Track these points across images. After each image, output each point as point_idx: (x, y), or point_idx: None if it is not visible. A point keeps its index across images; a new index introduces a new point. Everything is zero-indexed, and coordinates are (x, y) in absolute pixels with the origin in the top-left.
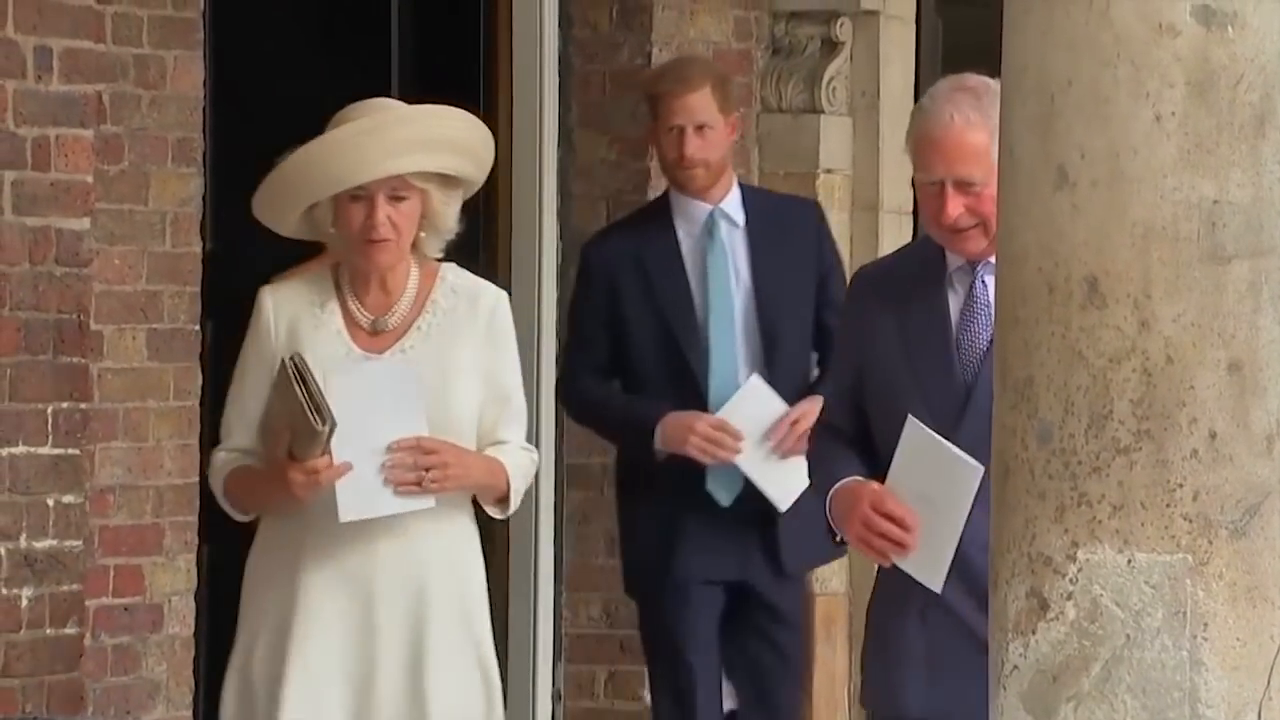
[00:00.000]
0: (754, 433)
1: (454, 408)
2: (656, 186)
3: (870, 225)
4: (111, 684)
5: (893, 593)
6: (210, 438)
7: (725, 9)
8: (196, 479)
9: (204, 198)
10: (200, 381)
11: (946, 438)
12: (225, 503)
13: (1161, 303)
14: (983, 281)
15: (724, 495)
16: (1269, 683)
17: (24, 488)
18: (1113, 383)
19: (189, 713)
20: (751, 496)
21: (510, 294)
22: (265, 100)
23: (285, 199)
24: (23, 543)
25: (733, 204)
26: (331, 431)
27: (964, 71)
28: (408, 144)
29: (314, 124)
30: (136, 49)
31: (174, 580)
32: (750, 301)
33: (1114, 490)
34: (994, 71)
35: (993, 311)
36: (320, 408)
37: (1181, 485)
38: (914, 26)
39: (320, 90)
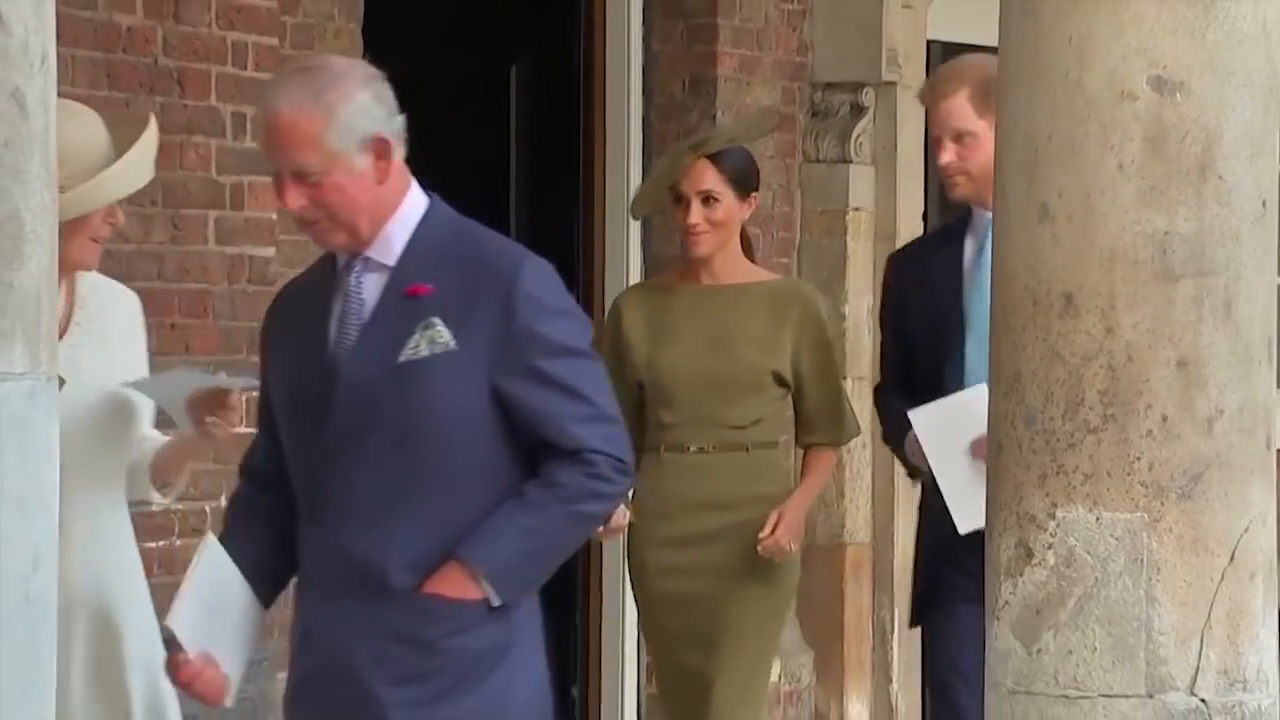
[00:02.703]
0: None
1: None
2: None
3: (888, 251)
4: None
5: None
6: None
7: (774, 80)
8: None
9: None
10: None
11: None
12: None
13: (1123, 313)
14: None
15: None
16: (1209, 615)
17: (223, 459)
18: (1084, 377)
19: None
20: None
21: (604, 312)
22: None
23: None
24: (221, 502)
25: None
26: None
27: None
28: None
29: (447, 171)
30: None
31: None
32: None
33: (1085, 462)
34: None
35: None
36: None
37: (1139, 458)
38: None
39: (456, 146)
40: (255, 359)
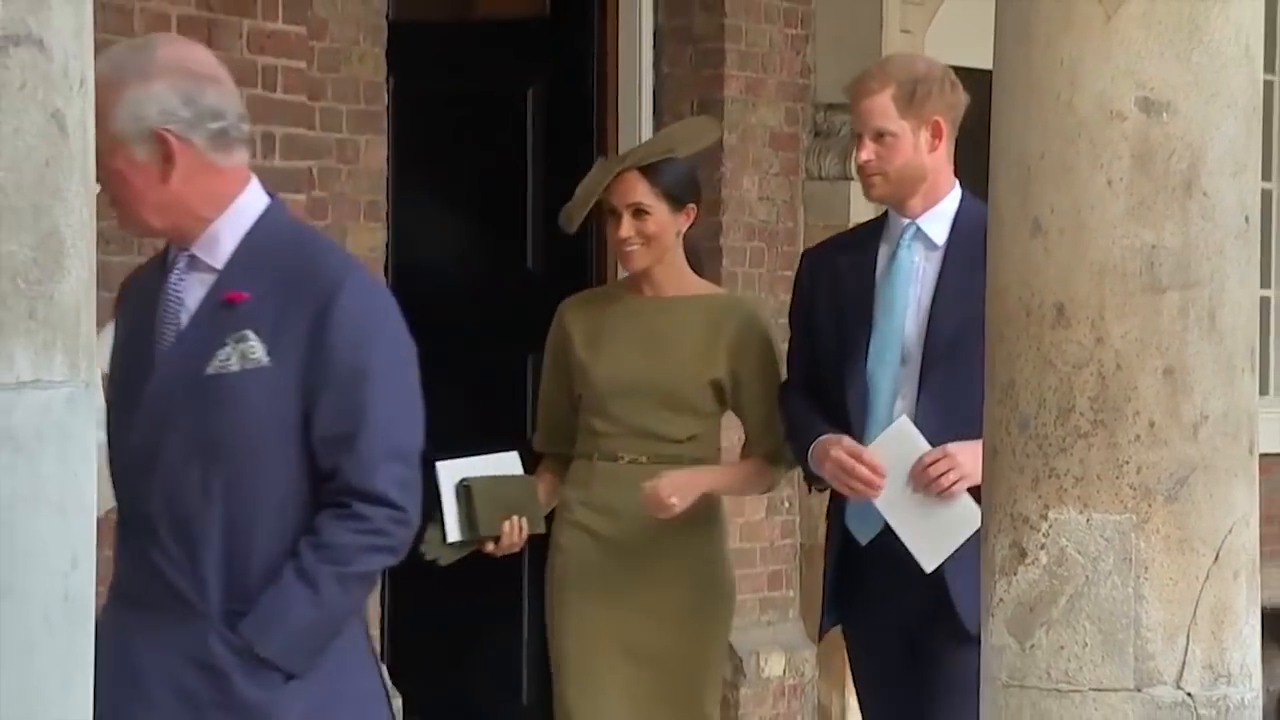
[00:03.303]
0: (899, 479)
1: None
2: (728, 234)
3: None
4: None
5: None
6: None
7: (778, 101)
8: None
9: (386, 246)
10: None
11: None
12: None
13: (1113, 323)
14: None
15: (862, 534)
16: (1195, 612)
17: None
18: (1075, 384)
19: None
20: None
21: None
22: (434, 172)
23: None
24: None
25: None
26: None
27: (964, 153)
28: None
29: (475, 190)
30: (337, 134)
31: None
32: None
33: (1076, 466)
34: (985, 150)
35: None
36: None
37: (1128, 462)
38: None
39: (475, 164)
40: None
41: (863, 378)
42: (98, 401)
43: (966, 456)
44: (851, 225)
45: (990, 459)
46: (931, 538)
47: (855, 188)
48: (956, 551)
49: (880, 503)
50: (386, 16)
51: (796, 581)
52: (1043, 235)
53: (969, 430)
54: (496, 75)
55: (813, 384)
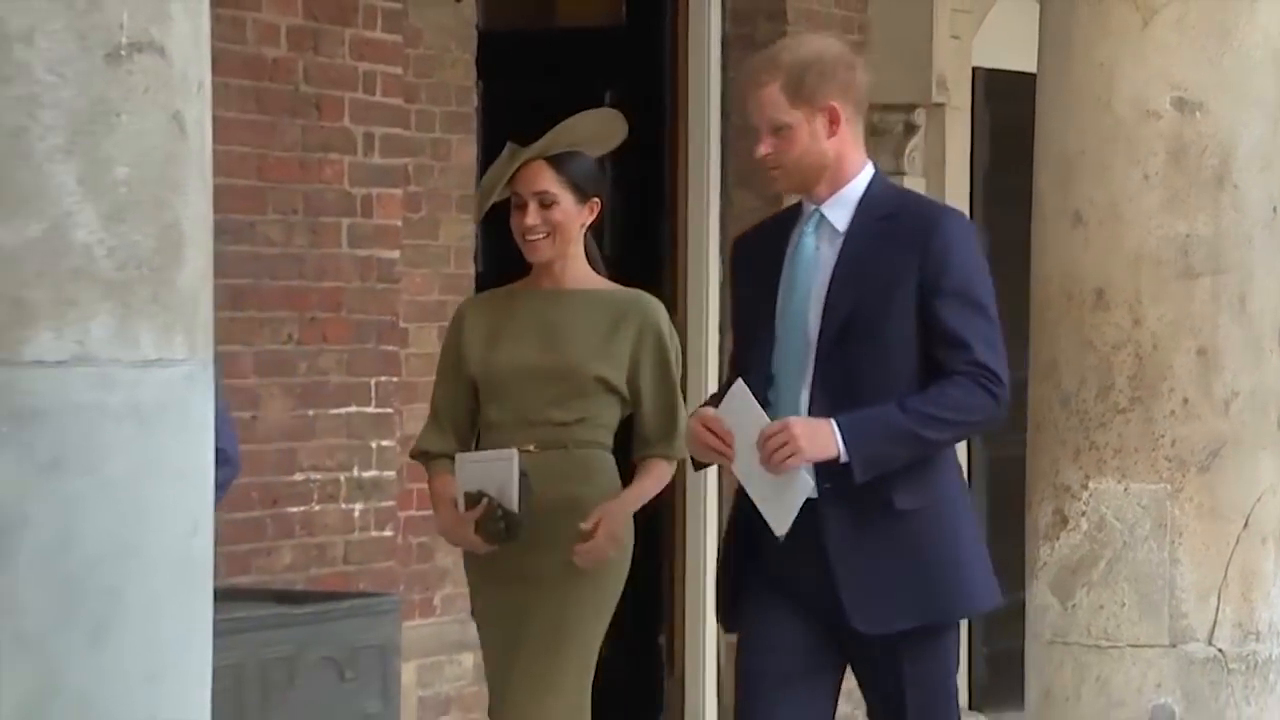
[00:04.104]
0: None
1: None
2: None
3: None
4: (414, 570)
5: None
6: None
7: None
8: None
9: (475, 236)
10: None
11: None
12: None
13: (1149, 307)
14: None
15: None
16: (1225, 575)
17: (357, 434)
18: (1114, 363)
19: (467, 589)
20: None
21: (687, 307)
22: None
23: None
24: (355, 472)
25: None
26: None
27: (1008, 150)
28: None
29: None
30: (431, 134)
31: None
32: None
33: (1115, 439)
34: (1029, 147)
35: None
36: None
37: (1163, 435)
38: (969, 114)
39: None
40: (384, 347)
41: (769, 365)
42: (213, 378)
43: (803, 430)
44: None
45: (1034, 433)
46: (778, 504)
47: (908, 181)
48: (850, 555)
49: (735, 469)
50: (476, 26)
51: None
52: (1083, 226)
53: (855, 406)
54: (576, 79)
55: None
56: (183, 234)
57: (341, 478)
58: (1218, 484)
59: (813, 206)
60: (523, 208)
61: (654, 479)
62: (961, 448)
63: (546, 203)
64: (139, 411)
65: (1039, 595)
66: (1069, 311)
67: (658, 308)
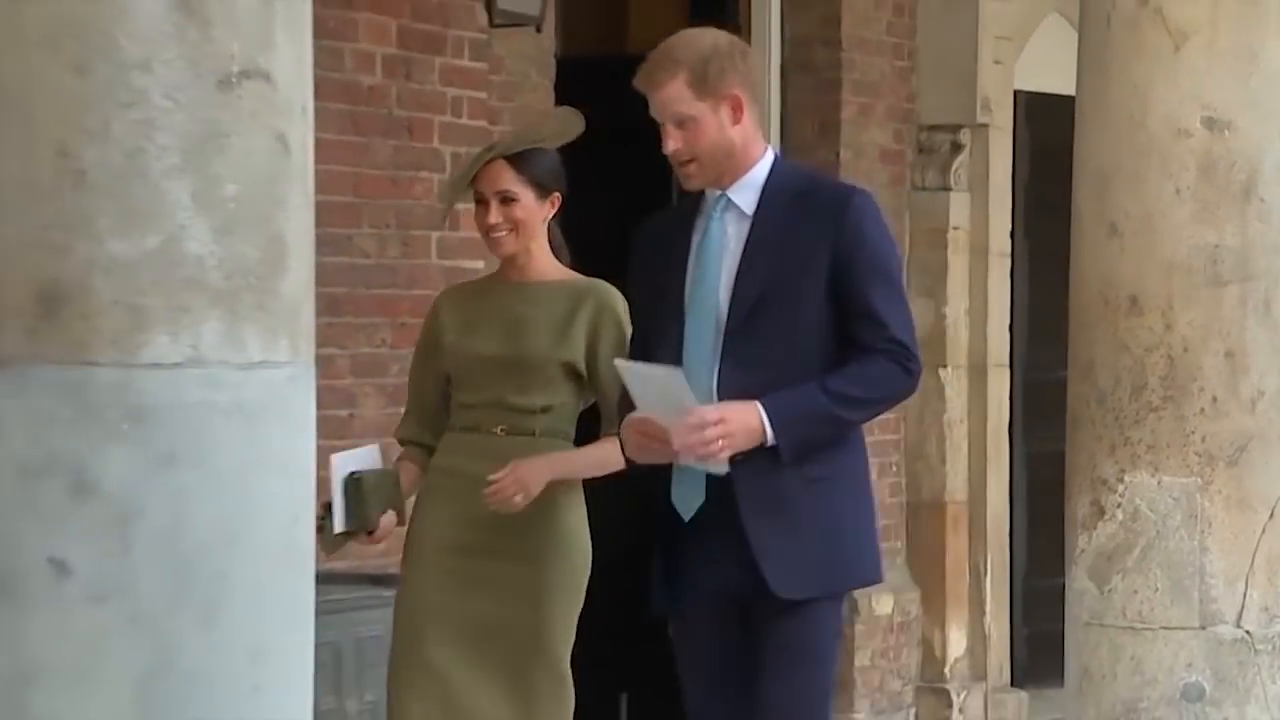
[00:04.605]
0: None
1: None
2: None
3: (982, 265)
4: None
5: None
6: None
7: (887, 123)
8: None
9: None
10: None
11: None
12: None
13: (1180, 312)
14: None
15: (684, 509)
16: (1252, 562)
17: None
18: (1147, 364)
19: None
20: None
21: None
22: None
23: None
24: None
25: None
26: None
27: (1047, 167)
28: None
29: (628, 199)
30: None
31: None
32: None
33: (1148, 435)
34: (1067, 163)
35: None
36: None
37: (1194, 432)
38: (1011, 133)
39: (629, 176)
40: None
41: (678, 346)
42: (313, 379)
43: (737, 421)
44: (951, 227)
45: (1072, 429)
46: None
47: (953, 196)
48: (768, 524)
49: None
50: (554, 54)
51: (903, 534)
52: (1118, 236)
53: (769, 393)
54: (644, 101)
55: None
56: (286, 246)
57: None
58: (1245, 477)
59: (718, 192)
60: (485, 205)
61: (597, 450)
62: (1002, 443)
63: (507, 200)
64: (245, 410)
65: (1077, 580)
66: (1105, 316)
67: (613, 293)
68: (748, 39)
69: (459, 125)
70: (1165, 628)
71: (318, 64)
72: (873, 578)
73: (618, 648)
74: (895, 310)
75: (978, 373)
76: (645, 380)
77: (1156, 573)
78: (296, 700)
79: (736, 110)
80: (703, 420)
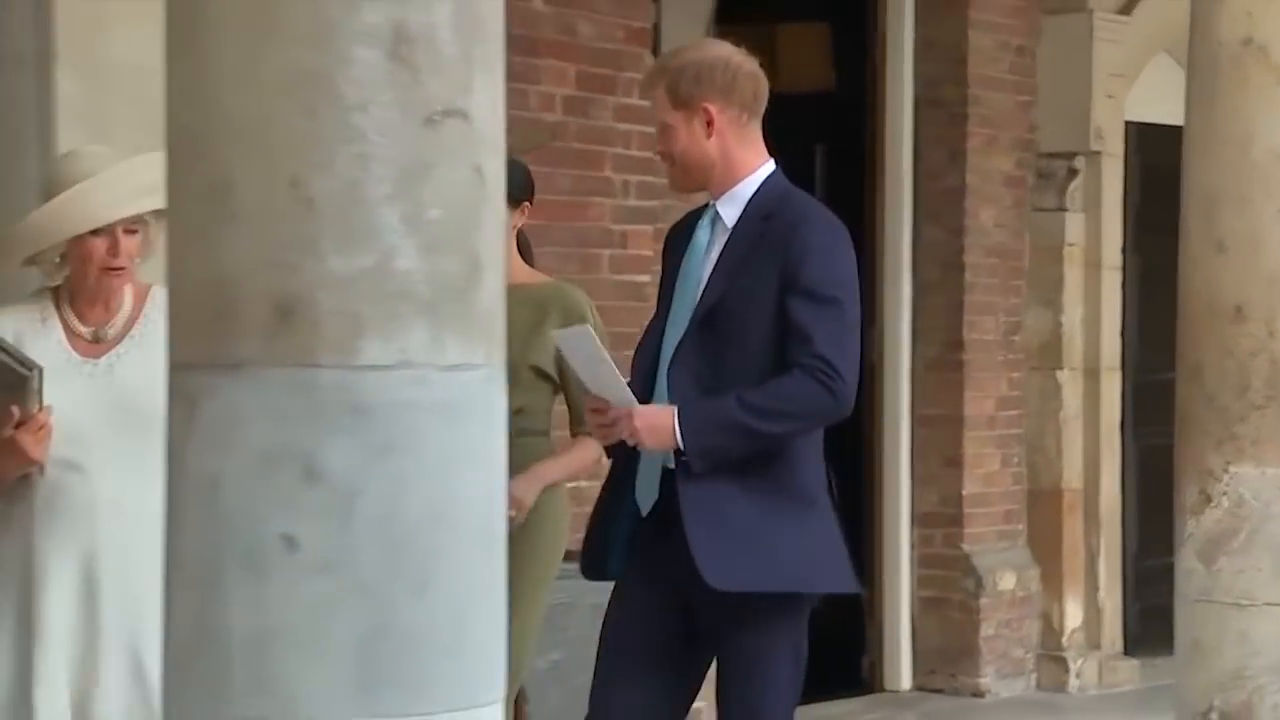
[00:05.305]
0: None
1: (160, 406)
2: (970, 253)
3: (1095, 277)
4: None
5: None
6: None
7: (1010, 151)
8: None
9: None
10: None
11: None
12: None
13: None
14: None
15: (644, 503)
16: None
17: None
18: (1251, 368)
19: None
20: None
21: (884, 321)
22: None
23: (42, 238)
24: None
25: None
26: (40, 375)
27: (1154, 190)
28: (145, 187)
29: None
30: None
31: None
32: None
33: (1252, 431)
34: (1173, 187)
35: None
36: (24, 361)
37: None
38: (1122, 160)
39: None
40: (628, 353)
41: (659, 348)
42: (504, 381)
43: (645, 423)
44: (1067, 244)
45: (1181, 426)
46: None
47: (1069, 217)
48: (704, 519)
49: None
50: None
51: (1024, 517)
52: (1225, 253)
53: (710, 394)
54: (793, 136)
55: None
56: (482, 262)
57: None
58: None
59: (711, 203)
60: None
61: (578, 454)
62: (1114, 437)
63: None
64: (447, 406)
65: (1186, 561)
66: (1212, 325)
67: (577, 293)
68: (884, 79)
69: (629, 156)
70: (1268, 604)
71: (508, 104)
72: (821, 586)
73: None
74: (823, 327)
75: (1092, 374)
76: (575, 349)
77: (1260, 554)
78: (492, 660)
79: (709, 123)
80: (616, 415)
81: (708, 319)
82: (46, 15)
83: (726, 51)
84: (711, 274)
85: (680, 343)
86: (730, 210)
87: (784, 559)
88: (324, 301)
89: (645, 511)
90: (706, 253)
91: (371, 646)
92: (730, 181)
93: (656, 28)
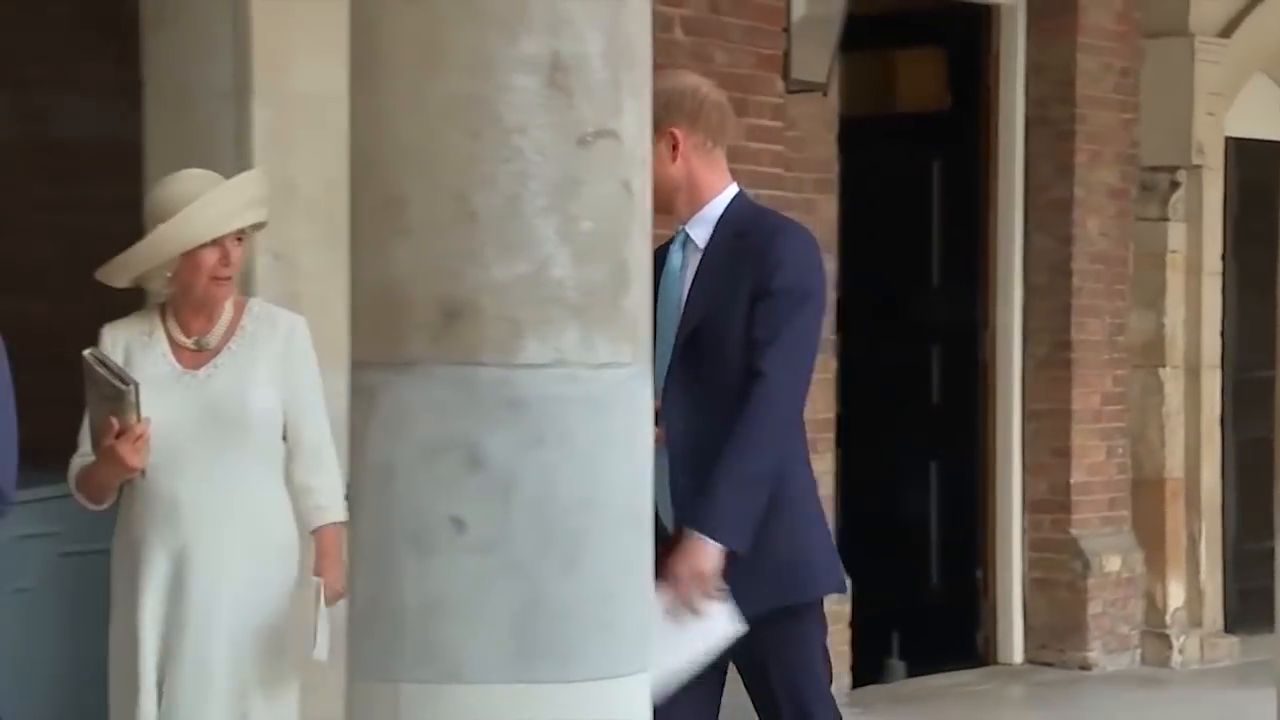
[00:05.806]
0: None
1: (253, 414)
2: (1077, 260)
3: (1196, 282)
4: None
5: None
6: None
7: (1115, 166)
8: None
9: (837, 271)
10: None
11: None
12: (79, 497)
13: None
14: None
15: (665, 519)
16: None
17: None
18: None
19: None
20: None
21: (997, 325)
22: (872, 221)
23: (162, 251)
24: None
25: None
26: (137, 390)
27: (1253, 201)
28: (253, 200)
29: (899, 231)
30: (803, 194)
31: None
32: None
33: None
34: (1271, 198)
35: None
36: (123, 376)
37: None
38: (1222, 173)
39: (899, 214)
40: None
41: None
42: (651, 376)
43: (689, 567)
44: (1169, 252)
45: None
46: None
47: (1171, 226)
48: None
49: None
50: (838, 113)
51: (1128, 504)
52: None
53: (706, 416)
54: (912, 152)
55: None
56: (629, 270)
57: None
58: None
59: (680, 225)
60: None
61: None
62: (1214, 430)
63: None
64: (597, 402)
65: None
66: None
67: None
68: (997, 99)
69: (760, 172)
70: None
71: None
72: (827, 590)
73: None
74: (775, 335)
75: (1193, 372)
76: None
77: None
78: (637, 633)
79: (674, 148)
80: (674, 593)
81: (692, 339)
82: (245, 50)
83: (694, 82)
84: (690, 293)
85: (670, 365)
86: (700, 231)
87: (784, 577)
88: (486, 306)
89: (671, 528)
90: (681, 273)
91: (526, 619)
92: (698, 203)
93: (786, 54)
